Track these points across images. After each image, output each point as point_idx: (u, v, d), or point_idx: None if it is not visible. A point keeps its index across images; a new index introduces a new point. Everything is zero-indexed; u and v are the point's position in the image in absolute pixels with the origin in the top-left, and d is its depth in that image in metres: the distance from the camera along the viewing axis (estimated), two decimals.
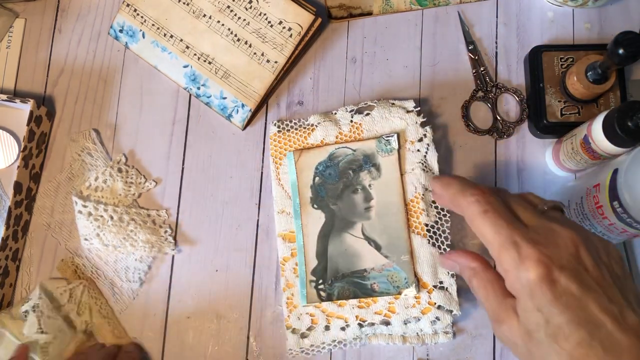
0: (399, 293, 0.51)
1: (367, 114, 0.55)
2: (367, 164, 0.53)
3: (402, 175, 0.53)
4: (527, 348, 0.33)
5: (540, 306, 0.31)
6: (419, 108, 0.55)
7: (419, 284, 0.51)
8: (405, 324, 0.51)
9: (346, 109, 0.56)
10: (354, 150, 0.54)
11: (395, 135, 0.53)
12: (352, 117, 0.56)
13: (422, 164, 0.53)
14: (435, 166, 0.53)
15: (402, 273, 0.51)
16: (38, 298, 0.51)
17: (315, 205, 0.53)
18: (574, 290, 0.31)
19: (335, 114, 0.56)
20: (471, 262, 0.38)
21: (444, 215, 0.52)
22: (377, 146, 0.53)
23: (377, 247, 0.52)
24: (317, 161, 0.54)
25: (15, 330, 0.50)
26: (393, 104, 0.55)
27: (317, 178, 0.53)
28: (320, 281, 0.52)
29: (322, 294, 0.52)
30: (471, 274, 0.37)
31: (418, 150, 0.54)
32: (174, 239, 0.56)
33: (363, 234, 0.52)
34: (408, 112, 0.55)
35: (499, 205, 0.35)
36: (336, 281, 0.52)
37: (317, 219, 0.53)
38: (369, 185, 0.53)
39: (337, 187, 0.53)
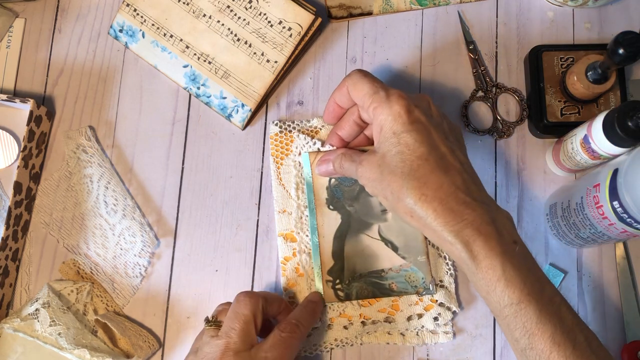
0: (417, 292, 0.51)
1: None
2: None
3: None
4: (379, 171, 0.43)
5: (397, 130, 0.42)
6: None
7: (435, 284, 0.52)
8: (408, 320, 0.52)
9: None
10: None
11: None
12: None
13: None
14: None
15: (419, 273, 0.52)
16: (47, 296, 0.51)
17: (331, 207, 0.53)
18: (424, 120, 0.43)
19: None
20: (340, 150, 0.50)
21: None
22: None
23: (394, 248, 0.52)
24: None
25: (27, 330, 0.50)
26: None
27: (332, 180, 0.53)
28: (337, 281, 0.52)
29: (340, 293, 0.52)
30: (340, 157, 0.49)
31: None
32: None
33: (380, 235, 0.53)
34: None
35: (375, 76, 0.46)
36: (354, 281, 0.52)
37: (333, 219, 0.53)
38: None
39: (354, 189, 0.53)
